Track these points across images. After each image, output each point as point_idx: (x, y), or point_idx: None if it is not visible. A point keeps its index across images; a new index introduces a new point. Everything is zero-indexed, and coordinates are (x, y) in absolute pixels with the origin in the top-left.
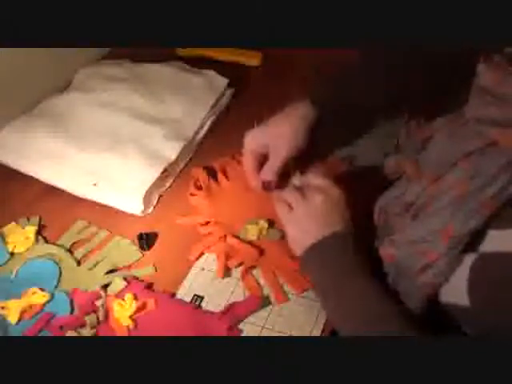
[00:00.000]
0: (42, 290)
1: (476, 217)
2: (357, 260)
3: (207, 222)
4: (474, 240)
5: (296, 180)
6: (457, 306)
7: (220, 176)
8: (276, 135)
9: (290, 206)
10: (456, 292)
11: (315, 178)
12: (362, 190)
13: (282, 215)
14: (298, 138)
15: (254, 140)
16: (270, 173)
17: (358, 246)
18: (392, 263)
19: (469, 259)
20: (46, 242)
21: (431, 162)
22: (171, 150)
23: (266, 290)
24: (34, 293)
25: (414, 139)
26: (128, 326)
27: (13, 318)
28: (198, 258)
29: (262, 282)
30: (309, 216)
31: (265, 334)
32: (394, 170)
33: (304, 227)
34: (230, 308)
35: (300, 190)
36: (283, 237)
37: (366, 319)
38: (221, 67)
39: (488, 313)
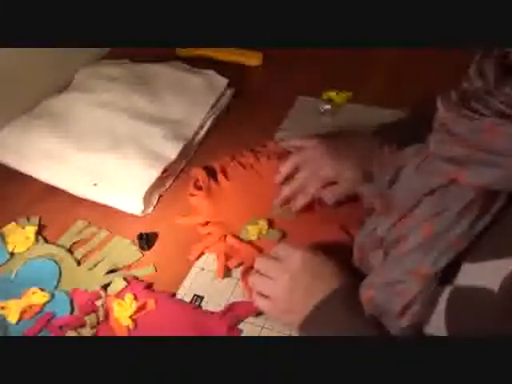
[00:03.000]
0: (42, 290)
1: (445, 256)
2: (356, 316)
3: (207, 222)
4: (449, 273)
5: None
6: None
7: (220, 176)
8: (346, 167)
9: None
10: (435, 324)
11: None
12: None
13: (260, 304)
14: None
15: (322, 163)
16: (333, 198)
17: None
18: (372, 306)
19: (445, 292)
20: (46, 241)
21: (400, 196)
22: (171, 150)
23: None
24: (33, 293)
25: (386, 169)
26: (128, 326)
27: (13, 318)
28: (197, 258)
29: None
30: (288, 295)
31: (265, 334)
32: (369, 201)
33: (290, 305)
34: (230, 308)
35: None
36: (283, 237)
37: None
38: (221, 67)
39: None
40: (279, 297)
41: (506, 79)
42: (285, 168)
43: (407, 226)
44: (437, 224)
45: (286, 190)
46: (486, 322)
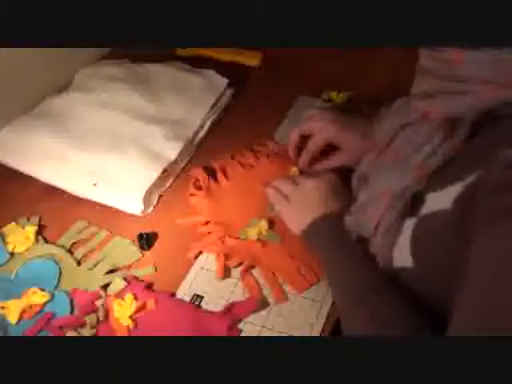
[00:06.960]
0: (42, 290)
1: (408, 178)
2: (344, 240)
3: (207, 222)
4: (415, 205)
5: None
6: (404, 268)
7: (220, 176)
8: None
9: (284, 196)
10: (402, 255)
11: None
12: None
13: (278, 202)
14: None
15: (324, 129)
16: (335, 164)
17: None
18: (353, 230)
19: (411, 223)
20: (46, 242)
21: (380, 134)
22: (171, 150)
23: (266, 290)
24: (34, 293)
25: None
26: (128, 326)
27: (13, 318)
28: (196, 257)
29: (261, 281)
30: (302, 199)
31: (265, 334)
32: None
33: (298, 210)
34: (230, 308)
35: (292, 180)
36: (283, 239)
37: (358, 293)
38: (221, 67)
39: (428, 271)
40: (296, 199)
41: None
42: (293, 135)
43: (381, 160)
44: (402, 153)
45: (290, 151)
46: (444, 239)
